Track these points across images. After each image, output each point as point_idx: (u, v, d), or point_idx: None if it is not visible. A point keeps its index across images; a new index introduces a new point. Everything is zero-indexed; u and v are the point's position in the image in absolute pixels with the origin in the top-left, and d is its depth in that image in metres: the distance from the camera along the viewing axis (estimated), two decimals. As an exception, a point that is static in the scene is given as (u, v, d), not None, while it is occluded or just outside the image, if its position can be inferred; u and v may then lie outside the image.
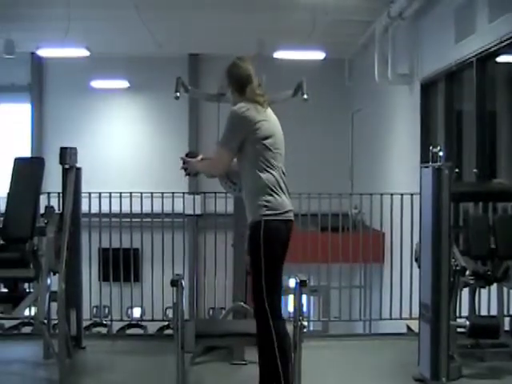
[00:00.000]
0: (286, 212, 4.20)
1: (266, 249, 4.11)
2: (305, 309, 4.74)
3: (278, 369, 4.10)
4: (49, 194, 6.48)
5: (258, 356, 4.24)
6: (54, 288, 5.00)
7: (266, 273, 4.11)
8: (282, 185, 4.23)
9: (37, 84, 15.71)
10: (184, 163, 4.54)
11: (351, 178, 14.88)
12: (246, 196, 4.28)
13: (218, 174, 4.56)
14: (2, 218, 5.17)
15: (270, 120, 4.30)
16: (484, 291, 5.85)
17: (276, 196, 4.18)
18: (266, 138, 4.21)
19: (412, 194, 6.59)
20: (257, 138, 4.19)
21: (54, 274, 5.02)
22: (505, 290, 5.72)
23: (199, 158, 4.55)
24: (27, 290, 5.25)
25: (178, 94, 5.56)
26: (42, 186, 5.23)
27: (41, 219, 5.11)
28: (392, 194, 7.35)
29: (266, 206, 4.13)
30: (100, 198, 7.11)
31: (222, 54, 13.74)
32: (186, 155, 4.60)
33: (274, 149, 4.23)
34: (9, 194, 5.20)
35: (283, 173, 4.27)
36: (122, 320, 7.76)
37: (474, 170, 7.61)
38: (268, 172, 4.18)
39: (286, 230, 4.22)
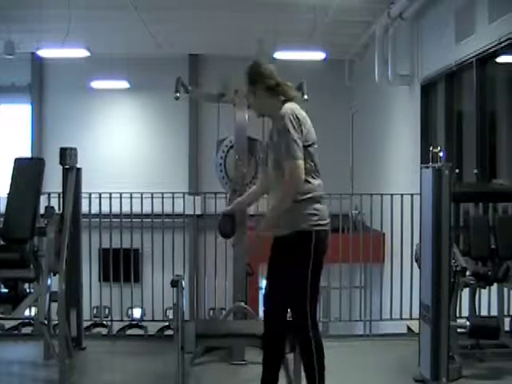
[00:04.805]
0: (328, 220, 4.00)
1: (315, 260, 3.90)
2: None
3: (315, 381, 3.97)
4: (49, 194, 6.49)
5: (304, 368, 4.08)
6: (55, 288, 5.00)
7: (312, 283, 3.92)
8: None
9: (37, 84, 15.72)
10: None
11: (351, 179, 14.89)
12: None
13: (294, 195, 3.87)
14: (2, 219, 5.17)
15: (310, 122, 4.01)
16: (484, 292, 5.85)
17: (323, 204, 3.97)
18: (313, 143, 3.96)
19: (412, 195, 6.59)
20: (307, 141, 3.91)
21: (55, 275, 5.02)
22: (505, 290, 5.73)
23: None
24: (27, 291, 5.24)
25: (178, 94, 5.56)
26: (42, 186, 5.22)
27: (41, 220, 5.10)
28: (392, 195, 7.35)
29: (316, 215, 3.88)
30: (100, 198, 7.11)
31: (222, 54, 13.99)
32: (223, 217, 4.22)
33: (315, 154, 3.98)
34: (9, 194, 5.19)
35: None
36: (122, 320, 7.76)
37: (475, 171, 7.61)
38: (317, 178, 3.95)
39: (328, 238, 4.01)
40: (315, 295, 4.01)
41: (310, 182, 3.89)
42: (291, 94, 4.04)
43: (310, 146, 3.93)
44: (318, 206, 3.91)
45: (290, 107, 3.93)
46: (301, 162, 3.82)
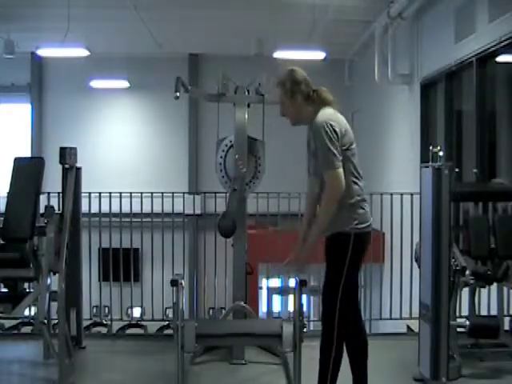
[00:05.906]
0: (369, 223, 4.02)
1: (352, 261, 3.93)
2: (305, 308, 4.74)
3: (326, 379, 4.01)
4: (49, 193, 6.49)
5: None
6: (54, 288, 5.00)
7: (345, 284, 3.95)
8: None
9: (37, 84, 15.71)
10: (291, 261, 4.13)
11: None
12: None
13: (337, 203, 3.87)
14: (1, 218, 5.17)
15: (346, 123, 3.97)
16: (484, 291, 5.85)
17: (365, 208, 4.00)
18: (351, 144, 3.93)
19: (412, 194, 6.59)
20: (344, 145, 3.88)
21: (54, 274, 5.01)
22: (505, 289, 5.73)
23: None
24: (27, 290, 5.24)
25: (178, 93, 5.54)
26: (41, 185, 5.22)
27: (41, 219, 5.10)
28: (392, 194, 7.35)
29: (356, 219, 3.92)
30: (100, 197, 7.11)
31: (222, 53, 13.98)
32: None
33: (355, 155, 3.96)
34: (9, 193, 5.20)
35: None
36: (121, 320, 7.76)
37: (474, 170, 7.60)
38: (358, 181, 3.96)
39: (368, 240, 4.04)
40: (348, 296, 3.99)
41: (350, 188, 3.90)
42: (328, 99, 3.99)
43: (347, 149, 3.91)
44: (360, 211, 3.95)
45: (323, 116, 3.88)
46: (340, 171, 3.80)
